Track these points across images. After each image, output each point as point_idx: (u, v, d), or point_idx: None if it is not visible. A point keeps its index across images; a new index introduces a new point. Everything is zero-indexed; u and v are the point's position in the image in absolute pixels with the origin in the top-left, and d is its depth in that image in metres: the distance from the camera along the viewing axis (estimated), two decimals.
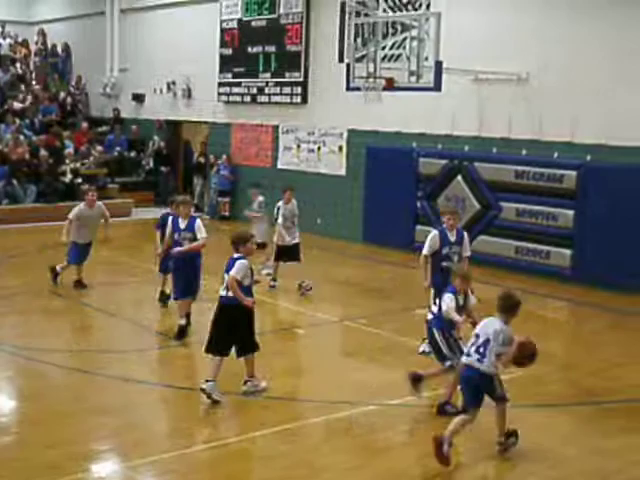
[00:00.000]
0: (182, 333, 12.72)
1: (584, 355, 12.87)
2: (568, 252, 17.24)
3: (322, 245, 20.00)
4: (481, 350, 8.72)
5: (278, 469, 8.50)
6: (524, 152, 18.16)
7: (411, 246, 19.48)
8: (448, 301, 9.93)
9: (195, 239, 12.68)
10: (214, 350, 10.31)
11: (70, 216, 15.69)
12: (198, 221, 12.89)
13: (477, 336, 8.84)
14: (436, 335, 10.15)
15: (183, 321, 12.81)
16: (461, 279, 10.07)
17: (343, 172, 22.12)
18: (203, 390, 10.06)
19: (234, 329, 10.20)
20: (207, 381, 10.09)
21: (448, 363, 10.04)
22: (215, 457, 8.80)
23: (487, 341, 8.71)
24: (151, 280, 15.45)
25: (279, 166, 24.00)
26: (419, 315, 14.54)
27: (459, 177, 19.15)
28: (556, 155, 17.61)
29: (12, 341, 12.42)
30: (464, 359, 8.96)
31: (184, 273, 12.79)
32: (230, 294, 10.09)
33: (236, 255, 10.24)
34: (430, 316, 10.34)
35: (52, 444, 8.84)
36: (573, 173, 17.19)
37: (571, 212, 17.21)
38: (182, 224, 12.77)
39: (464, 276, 10.14)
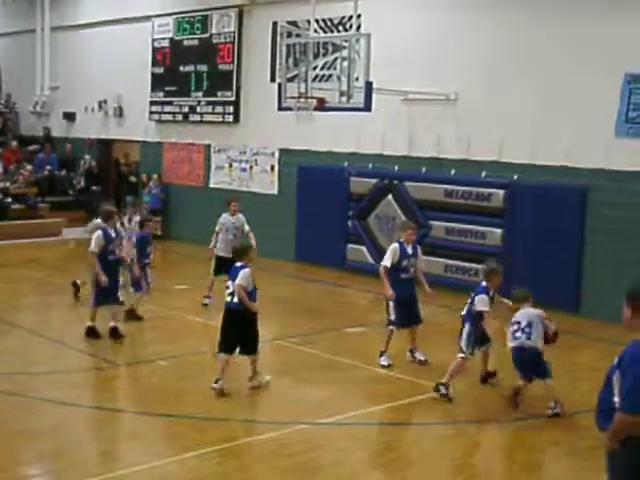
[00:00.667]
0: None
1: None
2: None
3: (255, 264, 20.01)
4: (526, 330, 10.81)
5: None
6: (453, 171, 18.45)
7: (343, 265, 19.68)
8: (485, 299, 11.30)
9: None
10: (224, 349, 11.39)
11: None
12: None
13: (519, 322, 10.94)
14: (468, 328, 11.37)
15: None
16: (497, 276, 11.63)
17: (275, 191, 22.24)
18: (214, 389, 11.17)
19: (242, 332, 11.34)
20: (217, 381, 11.21)
21: (464, 355, 11.39)
22: (148, 478, 8.78)
23: (530, 324, 10.85)
24: (83, 299, 15.38)
25: (211, 185, 24.01)
26: (350, 332, 14.85)
27: (389, 196, 19.37)
28: (484, 174, 17.93)
29: None
30: (512, 343, 10.90)
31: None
32: (236, 300, 11.14)
33: (239, 264, 11.36)
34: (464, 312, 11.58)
35: None
36: (501, 192, 17.51)
37: (499, 230, 17.53)
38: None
39: (499, 273, 11.73)
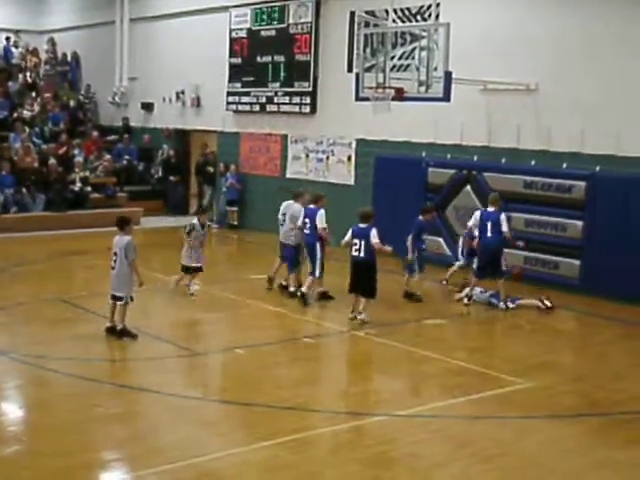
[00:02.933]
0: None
1: (593, 366, 12.84)
2: (577, 263, 17.22)
3: (330, 255, 19.96)
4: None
5: (286, 479, 8.49)
6: (533, 162, 18.16)
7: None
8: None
9: None
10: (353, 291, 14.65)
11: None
12: None
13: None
14: None
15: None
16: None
17: (352, 181, 22.14)
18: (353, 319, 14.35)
19: (364, 278, 14.46)
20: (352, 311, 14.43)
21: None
22: (223, 467, 8.78)
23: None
24: (161, 289, 15.51)
25: (288, 175, 24.02)
26: (429, 325, 14.72)
27: (468, 187, 19.15)
28: (565, 165, 17.61)
29: (22, 350, 12.43)
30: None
31: None
32: (362, 255, 14.32)
33: (365, 225, 14.57)
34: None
35: (61, 453, 8.85)
36: (582, 184, 17.17)
37: (580, 223, 17.19)
38: None
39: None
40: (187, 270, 16.07)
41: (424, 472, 8.78)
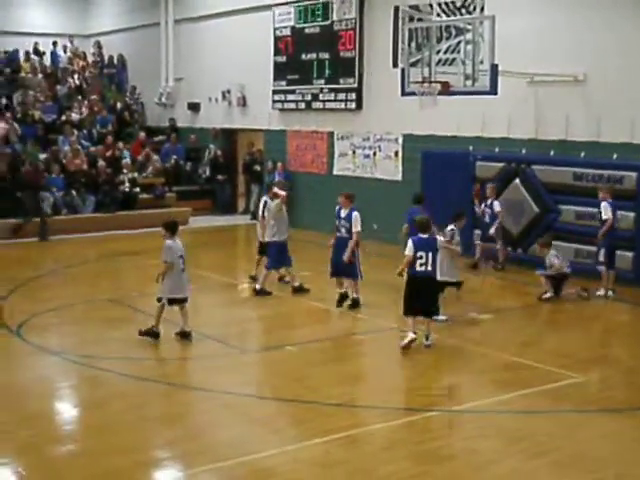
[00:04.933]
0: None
1: None
2: (630, 255, 16.96)
3: (379, 251, 19.93)
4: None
5: (340, 476, 8.47)
6: (582, 154, 17.94)
7: (469, 250, 19.36)
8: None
9: None
10: (411, 313, 12.84)
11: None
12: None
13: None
14: None
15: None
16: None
17: (399, 177, 22.05)
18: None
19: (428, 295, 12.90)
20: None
21: None
22: (276, 464, 8.77)
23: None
24: (211, 287, 15.56)
25: (335, 172, 24.00)
26: (479, 319, 14.60)
27: (517, 180, 18.97)
28: (615, 156, 17.38)
29: (74, 350, 12.55)
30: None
31: None
32: (430, 269, 12.64)
33: (426, 235, 12.75)
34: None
35: (115, 452, 8.91)
36: (633, 174, 16.91)
37: (631, 214, 16.93)
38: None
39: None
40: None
41: (478, 468, 8.70)
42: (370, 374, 11.81)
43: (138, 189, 25.77)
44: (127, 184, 25.65)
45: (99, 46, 33.63)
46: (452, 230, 14.84)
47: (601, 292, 16.05)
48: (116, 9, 33.58)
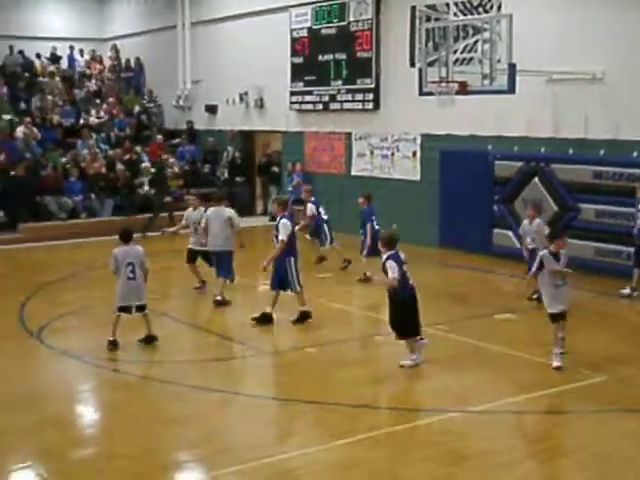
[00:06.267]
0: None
1: None
2: None
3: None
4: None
5: (363, 477, 8.45)
6: (602, 152, 17.84)
7: (489, 250, 19.32)
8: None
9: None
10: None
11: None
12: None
13: None
14: None
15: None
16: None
17: (417, 177, 21.99)
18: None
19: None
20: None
21: None
22: (297, 466, 8.76)
23: None
24: (231, 288, 15.55)
25: (353, 173, 23.97)
26: (501, 319, 14.53)
27: (536, 179, 18.88)
28: (635, 154, 17.27)
29: (94, 353, 12.57)
30: None
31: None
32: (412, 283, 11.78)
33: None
34: None
35: (136, 455, 8.93)
36: None
37: None
38: None
39: None
40: None
41: (500, 468, 8.66)
42: (391, 376, 11.75)
43: (155, 192, 25.77)
44: (145, 187, 25.68)
45: (116, 50, 33.74)
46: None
47: (627, 291, 15.95)
48: (133, 13, 33.66)
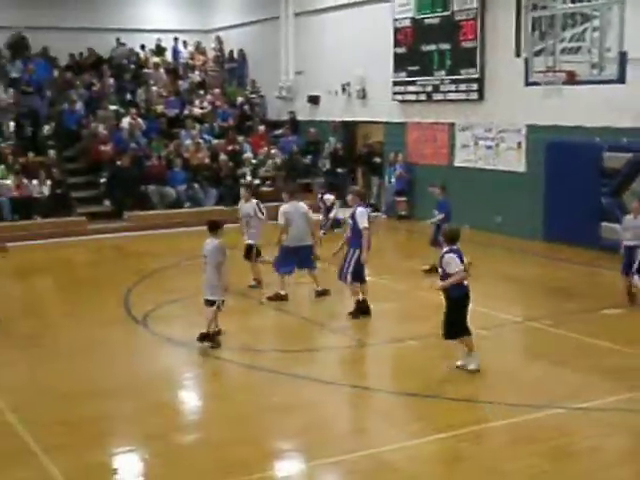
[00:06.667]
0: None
1: None
2: None
3: (501, 243, 19.62)
4: None
5: (463, 472, 8.33)
6: None
7: (596, 243, 18.85)
8: None
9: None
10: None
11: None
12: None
13: None
14: None
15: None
16: None
17: (522, 169, 21.59)
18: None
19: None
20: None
21: None
22: (398, 459, 8.70)
23: None
24: (333, 278, 15.49)
25: (456, 164, 23.70)
26: (609, 314, 14.15)
27: None
28: None
29: (198, 341, 12.66)
30: None
31: None
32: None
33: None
34: None
35: (239, 442, 8.98)
36: None
37: None
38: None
39: None
40: None
41: (607, 466, 8.45)
42: (493, 369, 11.57)
43: (258, 182, 25.93)
44: (248, 177, 25.87)
45: (220, 41, 34.05)
46: None
47: None
48: (236, 4, 33.90)
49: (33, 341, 13.24)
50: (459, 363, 11.28)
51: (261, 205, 16.19)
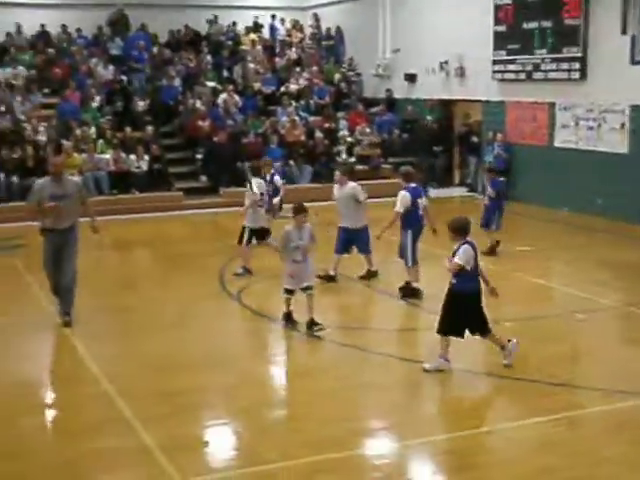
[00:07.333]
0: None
1: None
2: None
3: (602, 227, 19.17)
4: None
5: (560, 456, 8.15)
6: None
7: None
8: None
9: None
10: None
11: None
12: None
13: None
14: None
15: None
16: None
17: (625, 150, 21.00)
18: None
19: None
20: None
21: None
22: (492, 441, 8.63)
23: None
24: (424, 258, 15.30)
25: (555, 144, 23.20)
26: None
27: None
28: None
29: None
30: None
31: None
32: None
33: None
34: None
35: (331, 419, 8.97)
36: None
37: None
38: None
39: None
40: None
41: None
42: (590, 354, 11.32)
43: (354, 159, 25.83)
44: (344, 155, 25.81)
45: (316, 19, 33.98)
46: None
47: None
48: None
49: (129, 314, 13.46)
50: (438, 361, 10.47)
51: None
